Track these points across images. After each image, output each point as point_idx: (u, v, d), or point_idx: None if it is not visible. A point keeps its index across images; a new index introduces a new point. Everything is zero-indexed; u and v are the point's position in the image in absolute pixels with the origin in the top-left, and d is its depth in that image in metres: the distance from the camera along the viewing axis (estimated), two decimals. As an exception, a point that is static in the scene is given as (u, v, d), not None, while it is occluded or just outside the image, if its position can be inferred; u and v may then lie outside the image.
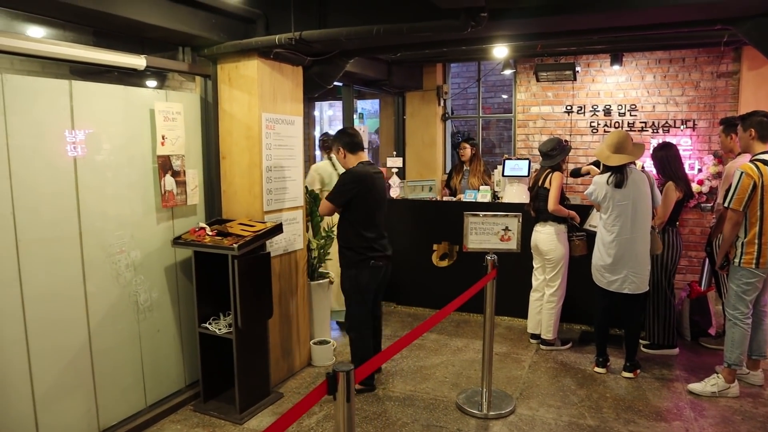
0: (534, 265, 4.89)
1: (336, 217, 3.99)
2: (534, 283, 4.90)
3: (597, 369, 4.31)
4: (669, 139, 6.11)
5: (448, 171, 6.90)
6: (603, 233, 4.18)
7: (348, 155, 3.86)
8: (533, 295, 4.90)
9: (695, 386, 3.97)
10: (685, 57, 6.25)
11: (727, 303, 3.95)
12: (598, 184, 4.15)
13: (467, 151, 6.26)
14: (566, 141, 4.86)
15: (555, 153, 4.61)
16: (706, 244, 4.80)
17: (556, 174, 4.56)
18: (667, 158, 4.47)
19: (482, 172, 6.24)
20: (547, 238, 4.62)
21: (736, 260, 3.78)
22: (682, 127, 6.29)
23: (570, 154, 6.61)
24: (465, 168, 6.33)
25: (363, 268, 3.83)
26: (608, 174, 4.09)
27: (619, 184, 4.02)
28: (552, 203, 4.51)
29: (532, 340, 5.00)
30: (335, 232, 4.84)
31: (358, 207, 3.80)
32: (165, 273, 3.70)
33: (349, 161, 3.86)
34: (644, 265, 4.10)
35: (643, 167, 4.83)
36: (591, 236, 4.61)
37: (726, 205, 3.75)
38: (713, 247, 4.58)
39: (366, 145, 6.15)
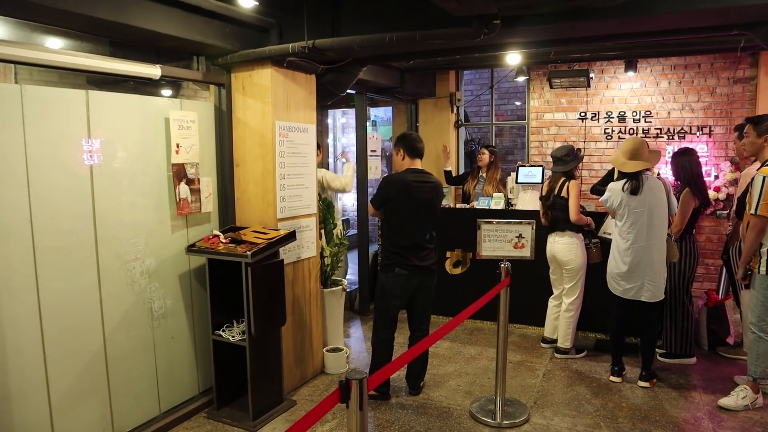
0: (552, 276, 4.84)
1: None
2: (555, 291, 4.85)
3: (612, 378, 4.26)
4: (685, 145, 6.04)
5: (461, 173, 6.83)
6: (618, 241, 4.13)
7: (406, 158, 3.89)
8: (552, 302, 4.87)
9: (727, 402, 3.83)
10: (701, 63, 6.19)
11: (750, 314, 3.81)
12: (614, 191, 4.11)
13: (485, 157, 6.21)
14: (578, 149, 4.82)
15: (569, 159, 4.58)
16: (723, 251, 4.73)
17: (574, 182, 4.52)
18: (687, 164, 4.41)
19: (498, 180, 6.20)
20: (566, 247, 4.58)
21: (763, 268, 3.65)
22: (698, 133, 6.23)
23: (584, 161, 6.62)
24: (481, 174, 6.29)
25: (388, 273, 3.86)
26: (624, 181, 4.05)
27: (634, 191, 3.98)
28: (574, 213, 4.46)
29: (543, 345, 4.97)
30: (348, 240, 4.89)
31: (391, 212, 3.86)
32: (179, 280, 3.72)
33: (404, 164, 3.90)
34: (660, 273, 4.05)
35: (658, 174, 4.78)
36: (605, 244, 4.58)
37: (753, 211, 3.60)
38: (730, 255, 4.50)
39: (379, 152, 6.19)
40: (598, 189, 5.29)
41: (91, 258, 3.14)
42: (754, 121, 3.80)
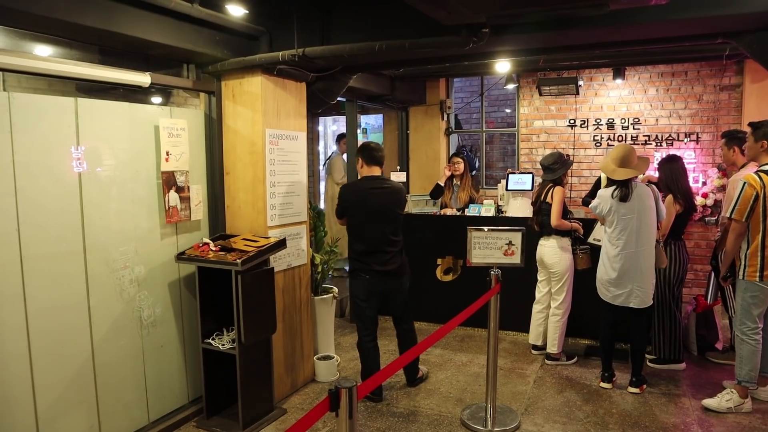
0: (538, 277, 4.88)
1: (341, 232, 4.05)
2: (537, 295, 4.89)
3: (603, 384, 4.28)
4: (673, 152, 6.10)
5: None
6: (608, 247, 4.16)
7: (364, 166, 4.04)
8: (536, 307, 4.90)
9: (710, 402, 3.88)
10: (688, 70, 6.26)
11: (734, 318, 3.90)
12: (603, 197, 4.14)
13: (461, 165, 6.15)
14: (567, 155, 4.88)
15: (557, 167, 4.63)
16: (711, 257, 4.78)
17: (558, 189, 4.59)
18: (673, 171, 4.47)
19: (471, 185, 6.16)
20: (551, 251, 4.64)
21: (741, 273, 3.75)
22: (685, 140, 6.29)
23: (573, 167, 6.66)
24: (455, 182, 6.24)
25: (353, 278, 4.08)
26: (613, 187, 4.08)
27: (624, 197, 4.01)
28: (555, 218, 4.53)
29: (533, 352, 4.99)
30: (338, 247, 4.90)
31: (350, 220, 4.03)
32: (169, 288, 3.70)
33: (362, 172, 4.07)
34: (649, 280, 4.08)
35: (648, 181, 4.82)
36: (595, 250, 4.60)
37: (728, 215, 3.73)
38: (718, 261, 4.55)
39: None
40: (588, 201, 5.33)
41: (80, 266, 3.12)
42: (754, 126, 3.82)
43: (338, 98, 4.78)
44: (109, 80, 3.27)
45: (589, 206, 4.36)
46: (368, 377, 3.93)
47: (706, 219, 6.09)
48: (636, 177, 4.08)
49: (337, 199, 4.08)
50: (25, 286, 2.84)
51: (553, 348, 4.73)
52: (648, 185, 4.15)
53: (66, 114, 3.03)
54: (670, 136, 6.36)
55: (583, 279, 4.69)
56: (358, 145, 4.21)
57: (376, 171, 4.04)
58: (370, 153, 4.02)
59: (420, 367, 4.44)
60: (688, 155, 6.20)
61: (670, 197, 4.39)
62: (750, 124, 3.92)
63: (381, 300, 4.08)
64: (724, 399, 3.85)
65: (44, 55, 3.26)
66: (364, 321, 4.06)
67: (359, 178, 4.08)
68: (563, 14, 3.16)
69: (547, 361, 4.79)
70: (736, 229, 3.72)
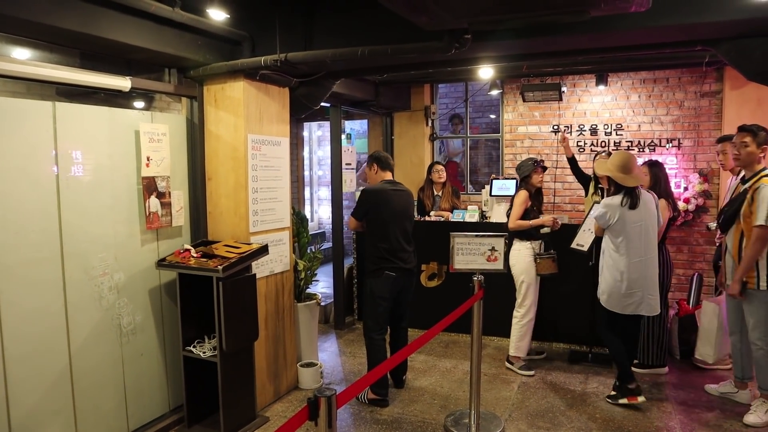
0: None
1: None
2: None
3: (640, 399, 3.99)
4: (655, 157, 6.15)
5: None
6: (616, 258, 3.99)
7: (379, 171, 4.27)
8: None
9: (751, 419, 3.72)
10: (669, 77, 6.32)
11: (752, 332, 3.71)
12: (611, 206, 3.98)
13: (444, 173, 6.17)
14: (542, 160, 4.89)
15: (521, 170, 4.76)
16: (716, 258, 4.64)
17: (520, 192, 4.69)
18: (658, 176, 4.49)
19: (451, 194, 6.18)
20: (511, 253, 4.69)
21: (763, 284, 3.58)
22: (667, 145, 6.35)
23: (557, 173, 6.69)
24: (436, 194, 6.23)
25: (377, 278, 4.08)
26: (621, 196, 3.96)
27: (633, 205, 3.92)
28: (510, 221, 4.65)
29: None
30: (322, 254, 4.87)
31: (373, 220, 4.13)
32: (149, 295, 3.65)
33: (377, 177, 4.27)
34: (657, 286, 4.02)
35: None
36: (561, 255, 4.61)
37: (763, 222, 3.52)
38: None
39: (354, 165, 6.20)
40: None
41: (57, 273, 3.06)
42: (753, 132, 3.69)
43: (322, 104, 4.77)
44: (88, 84, 3.23)
45: (594, 215, 4.20)
46: (378, 378, 3.92)
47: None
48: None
49: (357, 201, 4.20)
50: (0, 293, 2.78)
51: (511, 350, 4.72)
52: (648, 191, 4.13)
53: (43, 118, 2.99)
54: (652, 141, 6.42)
55: (565, 284, 4.69)
56: (369, 154, 4.51)
57: (389, 175, 4.28)
58: (384, 160, 4.31)
59: None
60: (670, 161, 6.26)
61: (663, 202, 4.37)
62: (745, 129, 3.74)
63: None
64: (763, 411, 3.73)
65: (23, 58, 3.21)
66: (379, 320, 4.11)
67: (378, 182, 4.23)
68: (544, 21, 3.17)
69: (506, 364, 4.78)
70: (762, 236, 3.54)
